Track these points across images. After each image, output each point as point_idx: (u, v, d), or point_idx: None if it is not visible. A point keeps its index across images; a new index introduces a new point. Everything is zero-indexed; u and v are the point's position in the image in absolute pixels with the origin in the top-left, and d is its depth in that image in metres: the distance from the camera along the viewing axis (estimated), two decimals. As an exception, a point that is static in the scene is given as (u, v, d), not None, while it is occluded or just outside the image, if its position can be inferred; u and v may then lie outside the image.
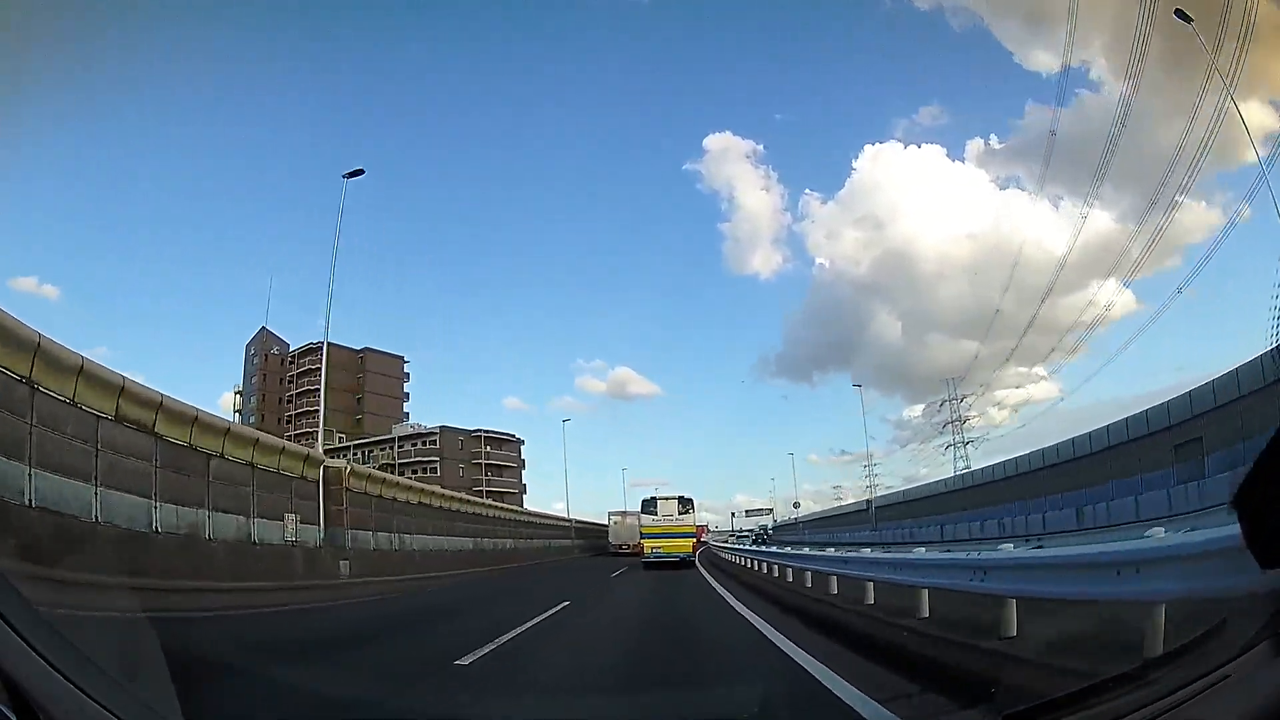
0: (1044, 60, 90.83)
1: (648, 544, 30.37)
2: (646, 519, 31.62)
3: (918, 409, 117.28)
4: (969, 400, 65.30)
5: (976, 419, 64.69)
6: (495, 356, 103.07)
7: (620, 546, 46.23)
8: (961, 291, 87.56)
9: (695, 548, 32.41)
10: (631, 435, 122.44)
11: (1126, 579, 4.06)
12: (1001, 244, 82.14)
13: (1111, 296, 59.94)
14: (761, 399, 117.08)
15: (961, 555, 7.21)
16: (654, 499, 31.89)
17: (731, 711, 4.79)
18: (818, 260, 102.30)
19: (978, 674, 4.52)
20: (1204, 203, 55.89)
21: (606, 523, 52.66)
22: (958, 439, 65.44)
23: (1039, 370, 61.55)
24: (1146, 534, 4.33)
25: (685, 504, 31.48)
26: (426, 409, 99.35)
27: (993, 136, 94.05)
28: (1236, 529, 1.43)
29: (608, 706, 5.36)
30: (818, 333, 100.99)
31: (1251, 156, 42.98)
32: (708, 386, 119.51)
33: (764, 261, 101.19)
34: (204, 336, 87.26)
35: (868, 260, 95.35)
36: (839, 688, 5.00)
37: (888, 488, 70.71)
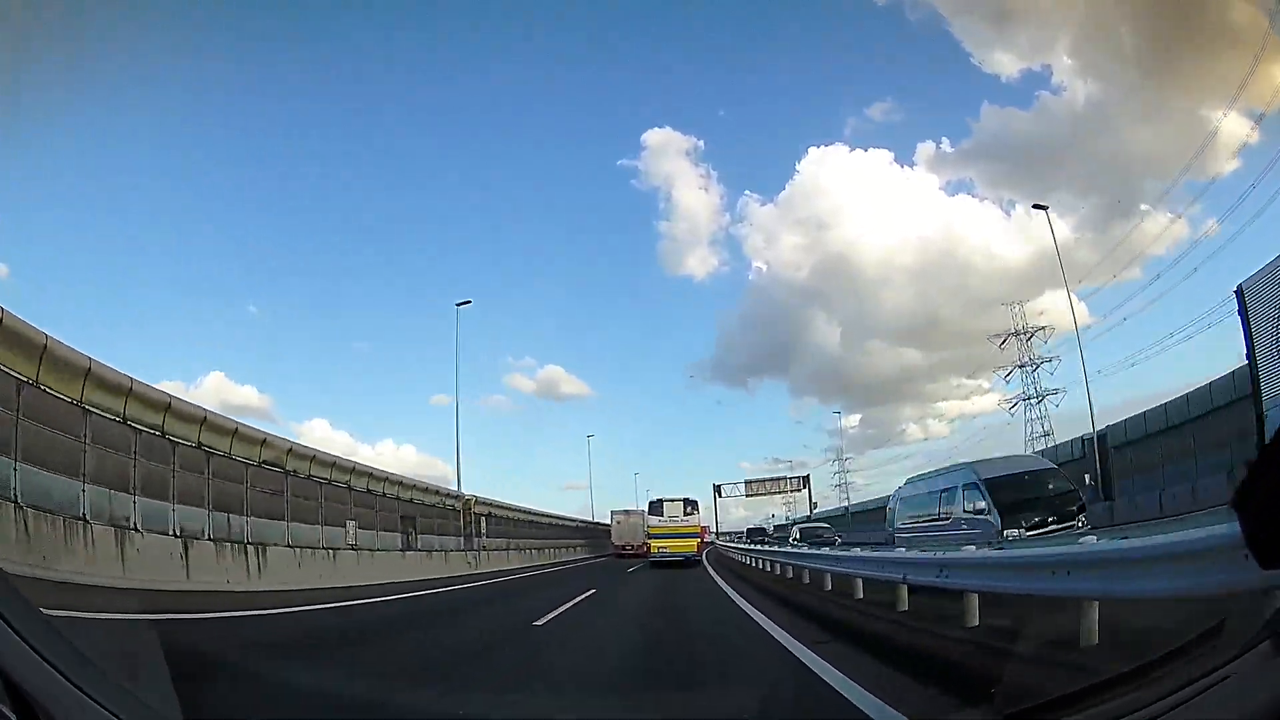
0: (1004, 62, 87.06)
1: (655, 544, 31.48)
2: (654, 520, 32.77)
3: (855, 419, 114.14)
4: (1044, 333, 48.31)
5: (1057, 362, 47.13)
6: (420, 353, 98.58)
7: (623, 547, 42.20)
8: (905, 298, 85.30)
9: (700, 548, 33.34)
10: (561, 435, 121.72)
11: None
12: (950, 250, 79.67)
13: (1064, 309, 56.65)
14: (694, 403, 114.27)
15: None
16: (660, 501, 33.00)
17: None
18: (755, 263, 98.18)
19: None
20: (1168, 213, 46.92)
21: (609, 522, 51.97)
22: (1030, 390, 48.53)
23: (983, 383, 54.46)
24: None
25: (691, 505, 32.88)
26: (349, 406, 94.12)
27: (944, 140, 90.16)
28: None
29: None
30: (754, 338, 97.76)
31: (1226, 167, 41.86)
32: (639, 389, 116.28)
33: (700, 263, 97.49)
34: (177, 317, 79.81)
35: (807, 265, 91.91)
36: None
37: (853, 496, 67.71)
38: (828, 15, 79.35)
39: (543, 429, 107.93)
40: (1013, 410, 50.08)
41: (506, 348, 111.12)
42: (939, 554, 7.54)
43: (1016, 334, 49.69)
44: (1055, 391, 47.46)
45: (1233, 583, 2.90)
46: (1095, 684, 2.33)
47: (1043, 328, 48.53)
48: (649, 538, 33.13)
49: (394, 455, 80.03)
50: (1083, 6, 57.98)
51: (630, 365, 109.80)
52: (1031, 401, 48.76)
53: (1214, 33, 28.11)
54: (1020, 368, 49.55)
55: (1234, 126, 34.86)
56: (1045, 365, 48.25)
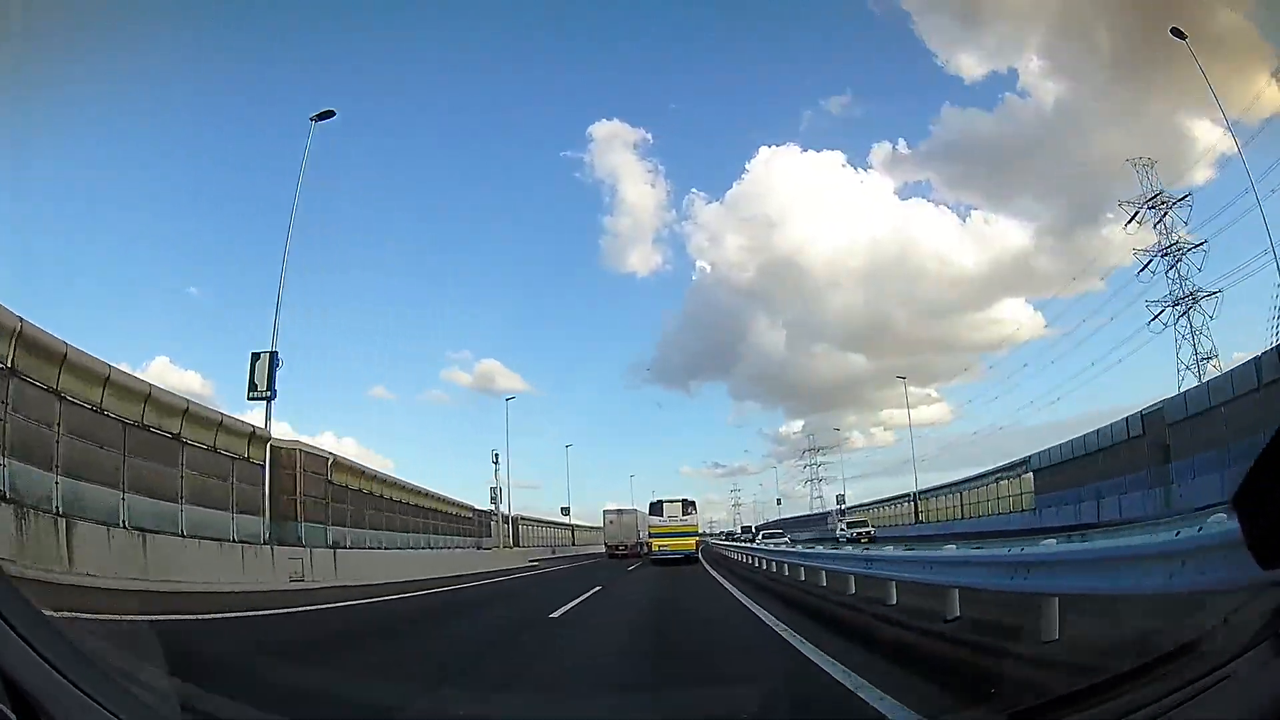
0: (968, 64, 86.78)
1: (655, 543, 33.46)
2: (654, 520, 34.53)
3: (798, 424, 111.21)
4: (1187, 200, 33.35)
5: (1204, 251, 32.53)
6: (357, 341, 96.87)
7: (616, 547, 41.11)
8: (853, 303, 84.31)
9: (698, 546, 35.09)
10: (500, 431, 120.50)
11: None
12: (902, 255, 78.36)
13: (1019, 318, 50.55)
14: (634, 404, 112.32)
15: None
16: (661, 502, 34.69)
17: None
18: (699, 263, 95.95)
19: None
20: (1137, 222, 48.00)
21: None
22: (1176, 289, 32.94)
23: (931, 391, 51.19)
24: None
25: (689, 506, 34.82)
26: (289, 395, 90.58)
27: (901, 141, 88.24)
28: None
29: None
30: (696, 339, 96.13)
31: (1200, 177, 39.22)
32: (578, 387, 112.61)
33: (643, 260, 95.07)
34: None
35: (754, 266, 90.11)
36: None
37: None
38: (788, 8, 76.25)
39: (479, 425, 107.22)
40: (1156, 322, 34.40)
41: (444, 341, 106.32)
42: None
43: (1151, 204, 33.95)
44: (1213, 293, 32.03)
45: (1230, 581, 2.89)
46: (1096, 684, 2.33)
47: (1185, 195, 33.39)
48: (650, 537, 34.76)
49: (335, 448, 77.49)
50: (1052, 9, 57.56)
51: (570, 363, 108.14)
52: (1179, 308, 33.52)
53: (1189, 36, 27.26)
54: (1162, 256, 33.94)
55: (1207, 133, 33.78)
56: (1193, 252, 32.80)
